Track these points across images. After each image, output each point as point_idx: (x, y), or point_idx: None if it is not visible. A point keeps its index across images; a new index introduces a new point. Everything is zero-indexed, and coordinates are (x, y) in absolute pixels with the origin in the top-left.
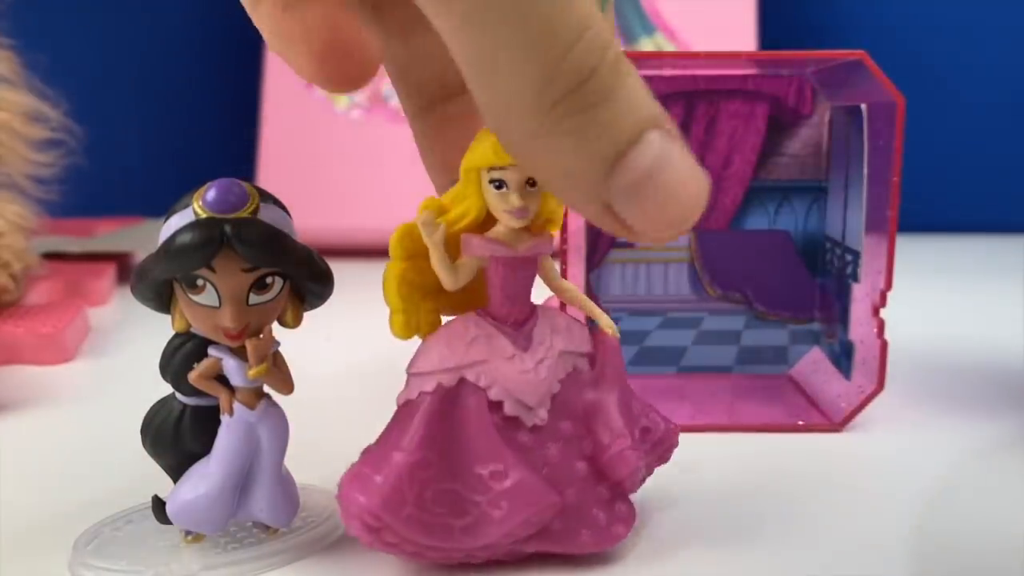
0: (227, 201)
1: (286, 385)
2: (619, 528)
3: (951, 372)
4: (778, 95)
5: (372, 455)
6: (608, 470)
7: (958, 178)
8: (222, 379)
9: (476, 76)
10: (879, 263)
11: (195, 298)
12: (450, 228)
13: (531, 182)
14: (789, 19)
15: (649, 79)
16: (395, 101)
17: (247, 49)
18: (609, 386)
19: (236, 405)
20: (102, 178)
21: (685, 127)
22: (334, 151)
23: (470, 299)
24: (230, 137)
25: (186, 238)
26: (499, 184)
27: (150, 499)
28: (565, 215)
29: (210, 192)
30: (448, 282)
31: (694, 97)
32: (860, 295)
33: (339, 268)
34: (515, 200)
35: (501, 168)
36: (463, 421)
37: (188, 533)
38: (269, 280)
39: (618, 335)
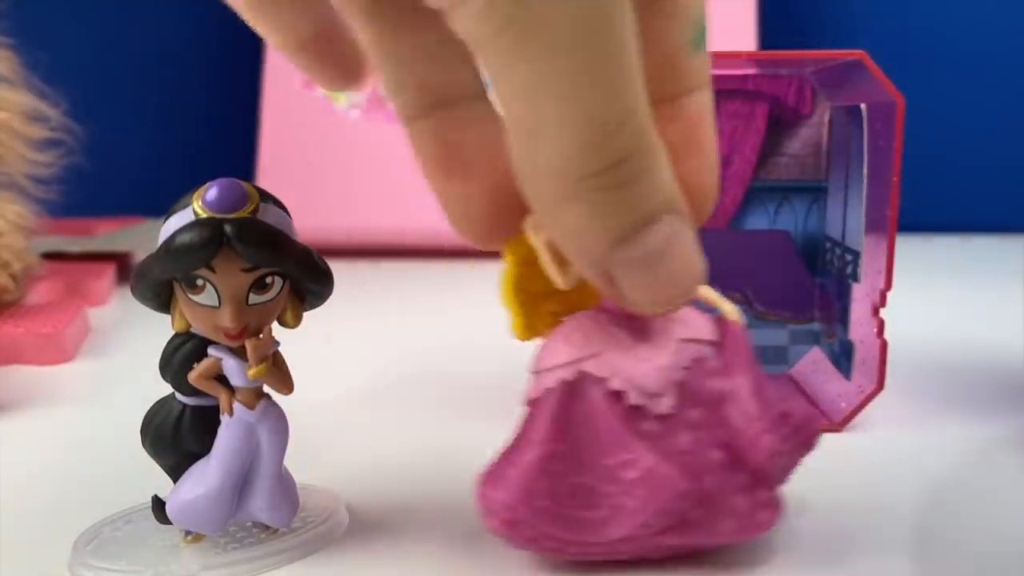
0: (227, 201)
1: (286, 385)
2: (763, 515)
3: (951, 372)
4: (778, 95)
5: (504, 454)
6: (744, 455)
7: (958, 178)
8: (222, 379)
9: (519, 138)
10: (879, 263)
11: (195, 298)
12: None
13: None
14: (789, 19)
15: None
16: None
17: (247, 49)
18: (739, 372)
19: (236, 405)
20: (102, 178)
21: None
22: (333, 151)
23: (586, 298)
24: (230, 137)
25: (186, 238)
26: None
27: (150, 499)
28: None
29: (210, 192)
30: (560, 281)
31: None
32: (860, 295)
33: (339, 268)
34: None
35: None
36: (588, 414)
37: (188, 533)
38: (269, 280)
39: (742, 321)
